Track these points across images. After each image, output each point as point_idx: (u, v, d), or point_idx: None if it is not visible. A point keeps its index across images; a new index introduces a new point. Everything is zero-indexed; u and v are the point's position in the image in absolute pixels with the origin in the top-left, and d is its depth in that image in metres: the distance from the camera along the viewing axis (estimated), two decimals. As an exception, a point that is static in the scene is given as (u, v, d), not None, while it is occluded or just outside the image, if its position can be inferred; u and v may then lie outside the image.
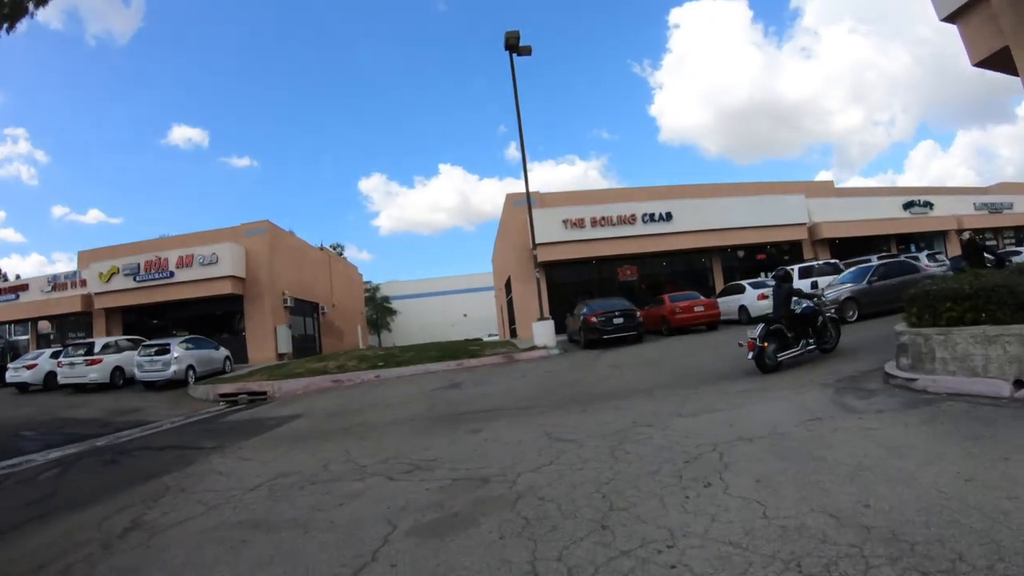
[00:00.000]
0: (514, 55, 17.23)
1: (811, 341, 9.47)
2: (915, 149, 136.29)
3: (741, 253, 26.34)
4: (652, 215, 22.71)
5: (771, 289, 10.90)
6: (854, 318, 14.00)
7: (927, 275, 12.95)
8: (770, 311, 10.04)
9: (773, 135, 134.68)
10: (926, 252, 22.69)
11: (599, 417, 6.77)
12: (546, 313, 18.29)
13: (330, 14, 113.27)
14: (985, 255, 14.65)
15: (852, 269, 16.57)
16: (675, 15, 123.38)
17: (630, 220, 22.43)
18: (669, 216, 22.90)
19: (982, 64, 8.54)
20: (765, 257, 27.04)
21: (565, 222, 22.03)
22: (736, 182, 31.14)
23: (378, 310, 50.51)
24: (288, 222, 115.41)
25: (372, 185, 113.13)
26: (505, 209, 24.54)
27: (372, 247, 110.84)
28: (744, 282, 19.19)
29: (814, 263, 19.80)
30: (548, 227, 21.97)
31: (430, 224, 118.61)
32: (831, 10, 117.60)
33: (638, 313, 16.89)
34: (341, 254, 51.29)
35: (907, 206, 32.73)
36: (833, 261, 20.13)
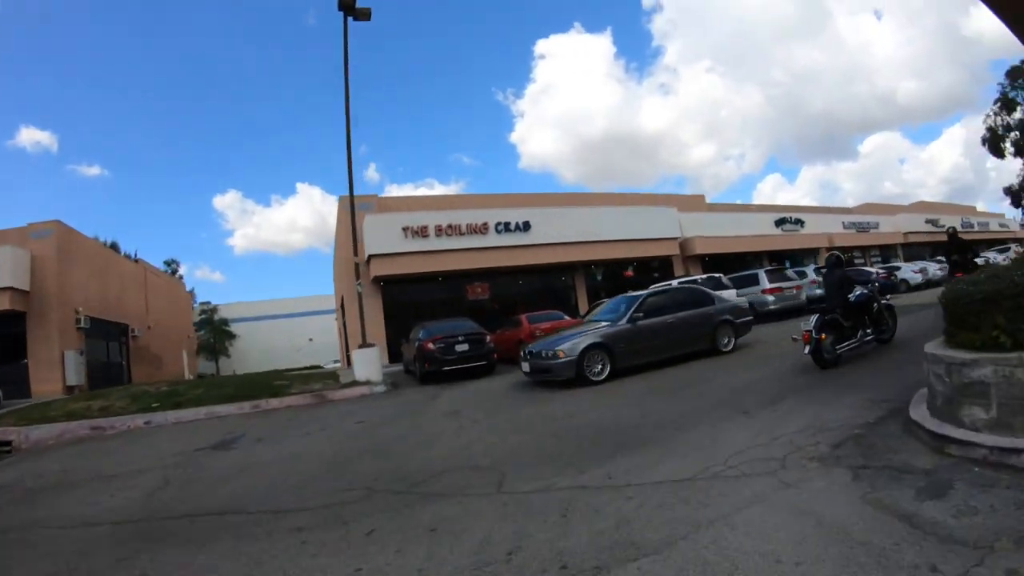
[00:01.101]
0: (349, 18, 13.94)
1: (869, 331, 9.41)
2: (763, 181, 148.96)
3: (599, 276, 23.50)
4: (507, 224, 20.87)
5: (823, 274, 10.65)
6: (603, 376, 10.81)
7: (733, 306, 13.13)
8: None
9: (630, 165, 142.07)
10: (813, 267, 23.69)
11: (402, 551, 4.02)
12: (371, 338, 15.30)
13: (195, 19, 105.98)
14: (968, 254, 14.44)
15: (611, 300, 14.50)
16: (541, 46, 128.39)
17: (482, 230, 20.29)
18: (527, 226, 21.02)
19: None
20: (632, 274, 27.06)
21: (405, 230, 19.60)
22: (602, 192, 29.02)
23: (216, 333, 44.94)
24: (134, 238, 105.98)
25: (227, 202, 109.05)
26: (339, 215, 21.06)
27: (225, 267, 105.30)
28: (611, 301, 16.64)
29: (697, 278, 19.30)
30: (385, 235, 20.77)
31: (287, 244, 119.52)
32: (691, 50, 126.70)
33: (488, 338, 15.01)
34: (175, 271, 45.85)
35: (779, 223, 34.30)
36: (716, 275, 19.60)
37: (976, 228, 56.57)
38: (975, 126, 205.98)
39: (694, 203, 32.81)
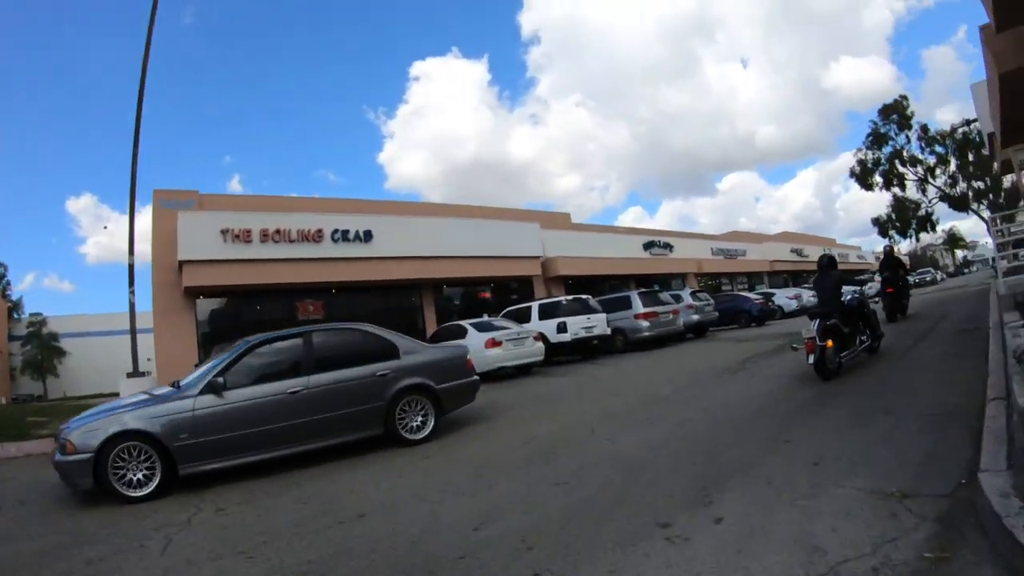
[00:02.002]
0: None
1: (864, 337, 9.42)
2: (625, 213, 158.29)
3: (455, 297, 22.71)
4: (346, 233, 19.93)
5: (815, 278, 10.24)
6: (149, 488, 6.32)
7: (431, 361, 8.33)
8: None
9: (497, 191, 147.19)
10: (689, 291, 24.47)
11: None
12: (182, 363, 14.27)
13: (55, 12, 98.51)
14: (900, 271, 15.37)
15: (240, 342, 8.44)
16: (417, 68, 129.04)
17: (315, 237, 18.91)
18: (368, 236, 20.17)
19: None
20: (490, 295, 26.50)
21: (225, 233, 18.08)
22: (457, 203, 27.74)
23: (43, 350, 40.48)
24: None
25: (82, 206, 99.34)
26: (154, 212, 18.49)
27: (76, 277, 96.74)
28: (466, 323, 16.27)
29: (560, 299, 18.55)
30: (201, 238, 18.48)
31: (144, 254, 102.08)
32: (564, 83, 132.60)
33: None
34: (2, 276, 41.46)
35: (648, 246, 35.17)
36: (584, 297, 18.88)
37: (837, 259, 60.19)
38: (828, 169, 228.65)
39: (559, 221, 33.49)
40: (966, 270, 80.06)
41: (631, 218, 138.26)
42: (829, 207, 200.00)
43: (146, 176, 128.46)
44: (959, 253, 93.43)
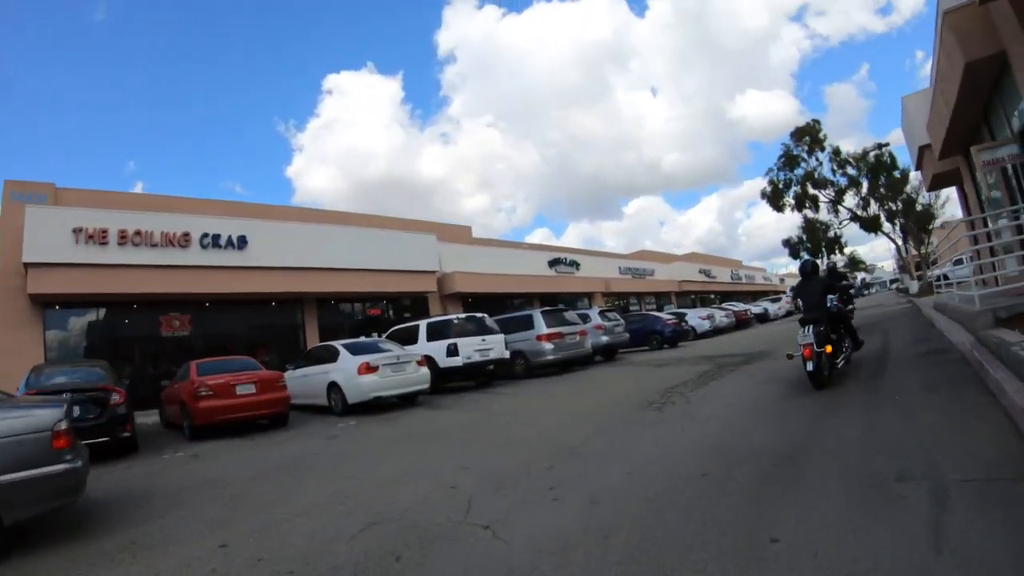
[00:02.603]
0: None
1: (847, 345, 9.77)
2: (532, 234, 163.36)
3: (353, 314, 21.99)
4: (217, 238, 19.35)
5: (796, 285, 10.38)
6: None
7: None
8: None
9: (405, 209, 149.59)
10: (598, 310, 23.41)
11: None
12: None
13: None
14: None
15: None
16: (331, 81, 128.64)
17: (182, 241, 18.33)
18: (243, 242, 19.78)
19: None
20: (381, 313, 26.18)
21: (78, 232, 17.25)
22: (346, 211, 27.24)
23: None
24: None
25: None
26: (3, 206, 17.03)
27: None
28: (338, 343, 14.88)
29: (451, 317, 17.28)
30: (51, 237, 16.94)
31: None
32: (477, 104, 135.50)
33: (117, 398, 10.55)
34: None
35: (553, 263, 35.86)
36: (479, 315, 17.70)
37: (744, 280, 64.10)
38: (730, 196, 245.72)
39: (459, 234, 33.80)
40: (865, 292, 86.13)
41: (538, 239, 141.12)
42: (732, 232, 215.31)
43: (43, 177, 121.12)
44: (860, 275, 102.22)
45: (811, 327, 8.47)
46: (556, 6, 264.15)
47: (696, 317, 30.34)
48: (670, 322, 25.45)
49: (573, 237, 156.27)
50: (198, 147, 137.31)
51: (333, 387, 13.53)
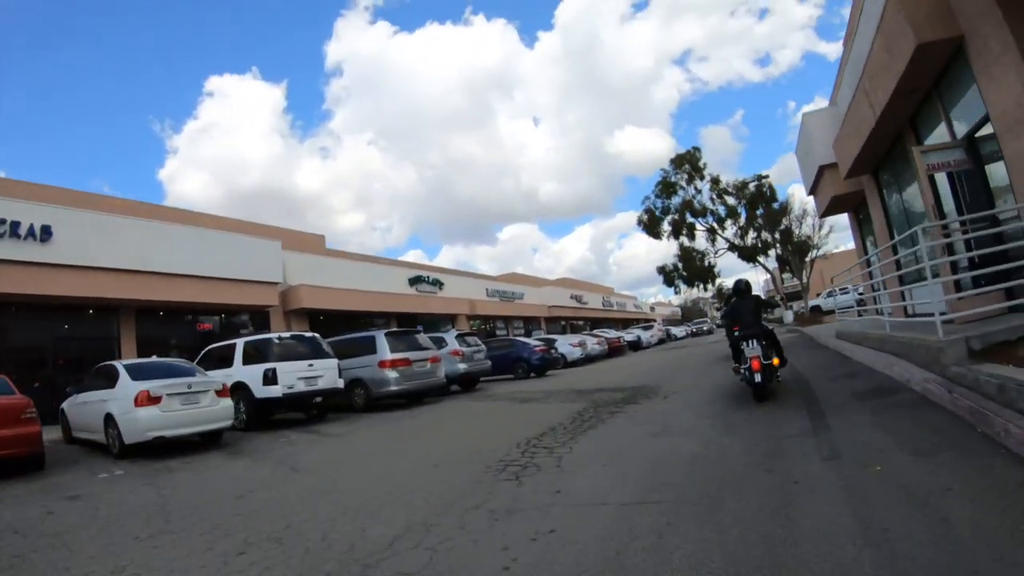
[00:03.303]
0: None
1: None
2: (405, 255, 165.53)
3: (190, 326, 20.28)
4: (16, 226, 16.80)
5: (731, 304, 10.49)
6: None
7: None
8: None
9: (277, 222, 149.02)
10: (455, 333, 21.84)
11: None
12: None
13: None
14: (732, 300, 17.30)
15: None
16: (213, 83, 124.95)
17: None
18: (47, 233, 16.83)
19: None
20: (211, 328, 23.61)
21: None
22: (177, 207, 25.21)
23: None
24: None
25: None
26: None
27: None
28: (120, 363, 12.31)
29: (272, 336, 15.07)
30: None
31: None
32: (359, 120, 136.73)
33: None
34: None
35: (414, 282, 34.61)
36: (308, 334, 16.15)
37: (615, 307, 65.75)
38: (604, 227, 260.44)
39: (310, 243, 31.67)
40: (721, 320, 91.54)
41: (411, 260, 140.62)
42: (603, 262, 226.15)
43: None
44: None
45: (754, 341, 8.96)
46: (448, 29, 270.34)
47: (567, 344, 29.60)
48: (538, 349, 24.30)
49: (446, 260, 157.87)
50: (65, 141, 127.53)
51: (109, 420, 10.99)
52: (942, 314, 8.14)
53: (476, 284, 41.24)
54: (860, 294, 29.73)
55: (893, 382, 8.63)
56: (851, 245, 52.93)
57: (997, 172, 9.54)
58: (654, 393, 12.24)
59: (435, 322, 34.54)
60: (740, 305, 10.02)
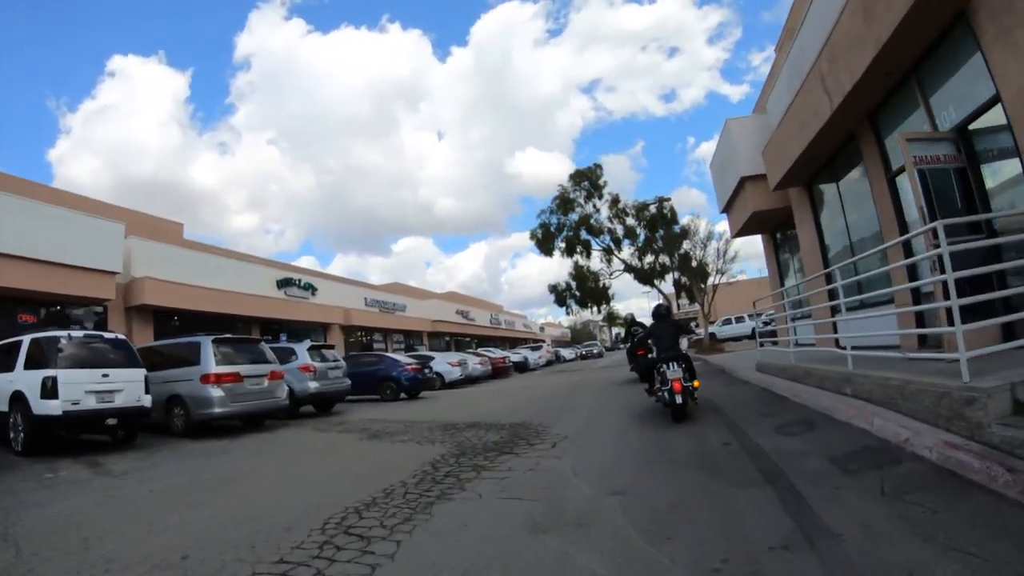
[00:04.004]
0: None
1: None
2: (297, 261, 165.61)
3: None
4: None
5: (651, 326, 11.45)
6: None
7: None
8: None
9: (167, 216, 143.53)
10: (309, 344, 18.89)
11: None
12: None
13: None
14: (633, 329, 18.21)
15: None
16: (116, 63, 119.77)
17: None
18: None
19: None
20: (37, 320, 19.44)
21: None
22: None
23: None
24: None
25: None
26: None
27: None
28: None
29: (61, 335, 11.36)
30: None
31: None
32: (261, 117, 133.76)
33: None
34: None
35: (283, 284, 31.21)
36: (110, 335, 12.75)
37: (504, 326, 63.84)
38: (498, 245, 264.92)
39: (165, 231, 27.87)
40: (621, 346, 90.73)
41: (302, 266, 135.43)
42: (495, 280, 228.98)
43: None
44: (614, 330, 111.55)
45: (675, 363, 9.08)
46: (363, 34, 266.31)
47: (445, 363, 27.02)
48: (409, 367, 21.50)
49: (338, 268, 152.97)
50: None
51: None
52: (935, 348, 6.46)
53: (354, 292, 38.37)
54: (766, 322, 28.49)
55: (881, 442, 6.10)
56: (750, 275, 52.47)
57: (1002, 169, 7.60)
58: (540, 435, 9.22)
59: (305, 331, 31.36)
60: (659, 329, 10.23)
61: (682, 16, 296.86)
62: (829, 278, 11.69)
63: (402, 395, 20.93)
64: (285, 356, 16.27)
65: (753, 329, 41.16)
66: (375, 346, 38.92)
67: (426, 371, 22.66)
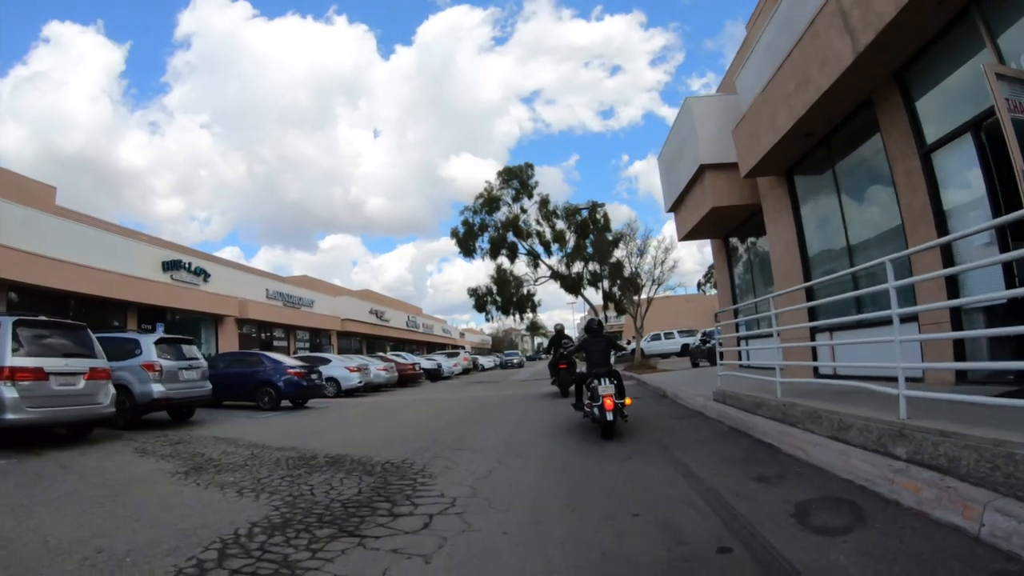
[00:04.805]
0: None
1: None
2: (221, 251, 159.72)
3: None
4: None
5: (582, 340, 10.98)
6: None
7: None
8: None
9: (91, 195, 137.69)
10: (158, 336, 15.57)
11: None
12: None
13: None
14: (563, 341, 18.04)
15: None
16: (53, 29, 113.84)
17: None
18: None
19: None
20: None
21: None
22: None
23: None
24: None
25: None
26: None
27: None
28: None
29: None
30: None
31: None
32: (196, 99, 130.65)
33: None
34: None
35: (170, 267, 27.18)
36: None
37: (422, 329, 61.13)
38: (426, 248, 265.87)
39: (33, 194, 23.67)
40: (542, 356, 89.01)
41: (227, 256, 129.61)
42: (420, 283, 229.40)
43: None
44: (536, 340, 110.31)
45: (606, 379, 8.71)
46: (308, 24, 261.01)
47: (342, 367, 23.55)
48: (292, 371, 18.10)
49: (263, 262, 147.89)
50: None
51: None
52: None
53: (255, 281, 34.59)
54: (703, 340, 26.57)
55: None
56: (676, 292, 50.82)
57: None
58: (420, 489, 6.17)
59: (193, 322, 27.91)
60: (592, 343, 9.91)
61: (628, 36, 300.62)
62: (809, 291, 9.50)
63: (286, 403, 17.96)
64: (126, 350, 13.02)
65: (685, 346, 39.81)
66: (275, 344, 35.21)
67: (312, 376, 19.04)
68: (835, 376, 9.05)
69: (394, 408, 17.32)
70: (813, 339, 8.01)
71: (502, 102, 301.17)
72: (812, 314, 9.29)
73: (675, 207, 18.44)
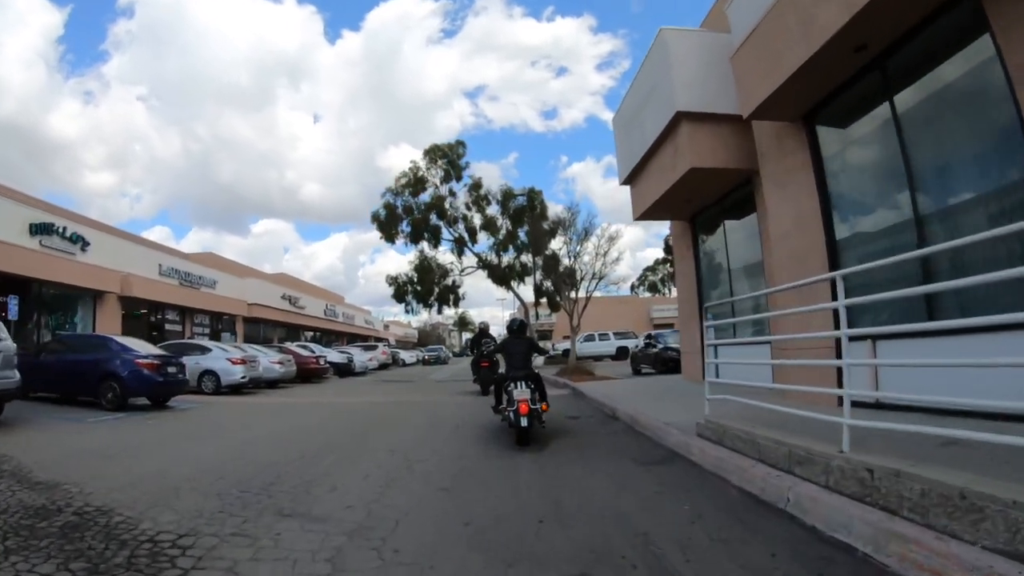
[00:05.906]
0: None
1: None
2: (150, 230, 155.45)
3: None
4: None
5: (503, 341, 11.03)
6: None
7: None
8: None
9: (20, 164, 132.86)
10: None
11: None
12: None
13: None
14: (484, 340, 18.10)
15: None
16: None
17: None
18: None
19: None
20: None
21: None
22: None
23: None
24: None
25: None
26: None
27: None
28: None
29: None
30: None
31: None
32: (134, 70, 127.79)
33: None
34: None
35: (40, 230, 23.07)
36: None
37: (342, 319, 57.71)
38: (359, 239, 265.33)
39: None
40: (468, 353, 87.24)
41: (155, 237, 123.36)
42: (352, 273, 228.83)
43: None
44: (464, 335, 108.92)
45: (523, 383, 8.51)
46: (256, 0, 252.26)
47: (223, 358, 19.34)
48: (143, 363, 14.15)
49: (193, 244, 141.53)
50: None
51: None
52: None
53: (146, 255, 30.43)
54: (647, 343, 23.62)
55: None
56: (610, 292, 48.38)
57: None
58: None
59: (68, 298, 24.35)
60: (512, 345, 9.64)
61: (577, 39, 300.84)
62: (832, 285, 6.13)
63: (143, 401, 14.20)
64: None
65: (620, 349, 37.39)
66: (167, 328, 31.07)
67: (171, 369, 14.95)
68: (878, 406, 6.19)
69: (265, 415, 13.65)
70: (839, 353, 4.81)
71: (446, 95, 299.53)
72: (839, 317, 5.28)
73: (632, 177, 15.07)
